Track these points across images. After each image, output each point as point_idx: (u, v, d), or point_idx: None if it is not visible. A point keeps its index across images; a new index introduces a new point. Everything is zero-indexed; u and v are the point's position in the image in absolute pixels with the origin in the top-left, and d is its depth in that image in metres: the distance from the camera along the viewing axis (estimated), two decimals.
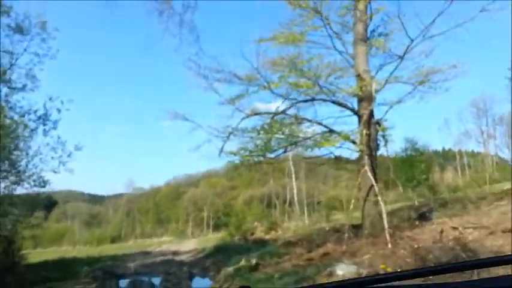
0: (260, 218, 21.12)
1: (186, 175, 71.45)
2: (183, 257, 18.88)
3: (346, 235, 9.85)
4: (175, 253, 21.62)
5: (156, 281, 11.82)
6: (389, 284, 0.84)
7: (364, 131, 10.02)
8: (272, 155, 12.42)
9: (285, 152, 12.95)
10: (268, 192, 56.50)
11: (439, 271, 0.87)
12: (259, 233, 19.48)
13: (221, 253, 16.35)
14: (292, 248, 12.80)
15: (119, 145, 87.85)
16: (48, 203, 67.18)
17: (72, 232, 48.44)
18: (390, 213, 12.14)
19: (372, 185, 9.82)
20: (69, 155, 13.60)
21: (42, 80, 14.06)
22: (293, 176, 46.18)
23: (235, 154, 11.54)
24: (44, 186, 14.62)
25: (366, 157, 9.92)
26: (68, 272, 13.92)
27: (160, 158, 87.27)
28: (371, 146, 10.36)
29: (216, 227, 53.90)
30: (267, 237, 18.92)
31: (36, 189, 15.00)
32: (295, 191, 45.66)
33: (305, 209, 41.26)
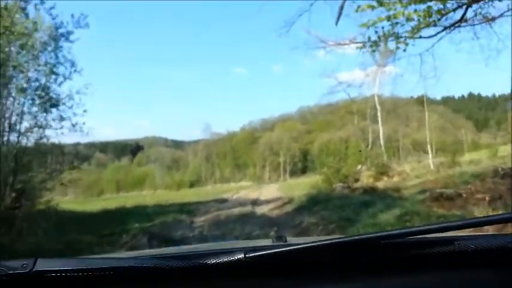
0: (361, 160, 15.30)
1: (261, 119, 67.98)
2: (266, 209, 13.80)
3: None
4: (255, 202, 16.64)
5: None
6: (411, 238, 0.76)
7: None
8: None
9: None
10: (346, 136, 50.56)
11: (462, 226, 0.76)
12: (367, 179, 13.88)
13: (320, 206, 10.93)
14: (452, 205, 6.95)
15: (195, 91, 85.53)
16: (135, 148, 67.73)
17: (154, 176, 46.52)
18: None
19: None
20: None
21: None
22: (379, 114, 39.22)
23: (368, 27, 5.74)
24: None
25: None
26: (109, 231, 9.49)
27: (235, 103, 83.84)
28: None
29: (293, 173, 50.90)
30: (379, 184, 13.33)
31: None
32: (381, 132, 39.05)
33: (400, 152, 34.76)
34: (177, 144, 72.82)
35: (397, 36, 6.46)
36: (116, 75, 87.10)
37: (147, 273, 0.76)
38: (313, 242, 0.76)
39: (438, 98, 51.75)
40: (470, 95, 65.94)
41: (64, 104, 12.09)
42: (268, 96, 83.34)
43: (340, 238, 0.77)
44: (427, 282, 0.78)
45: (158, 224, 10.42)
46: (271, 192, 22.40)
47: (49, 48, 11.42)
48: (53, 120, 11.83)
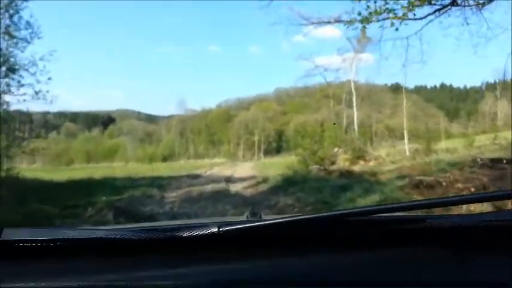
0: (337, 143, 15.05)
1: (237, 99, 67.60)
2: (240, 187, 13.44)
3: None
4: (229, 180, 16.25)
5: None
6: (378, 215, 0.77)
7: None
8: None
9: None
10: (322, 119, 50.86)
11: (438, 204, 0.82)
12: (343, 162, 13.64)
13: (296, 188, 10.63)
14: (432, 193, 6.77)
15: (171, 67, 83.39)
16: (107, 120, 65.75)
17: (125, 149, 45.27)
18: None
19: None
20: None
21: None
22: (354, 99, 39.66)
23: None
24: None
25: None
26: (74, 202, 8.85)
27: (210, 82, 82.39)
28: None
29: (267, 152, 51.39)
30: (355, 168, 13.12)
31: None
32: (355, 117, 39.43)
33: (373, 137, 35.10)
34: (151, 119, 71.15)
35: (390, 11, 6.05)
36: (90, 44, 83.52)
37: (119, 245, 0.74)
38: (283, 218, 0.79)
39: (411, 86, 52.72)
40: (442, 85, 67.21)
41: (26, 70, 11.18)
42: (245, 76, 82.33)
43: (309, 215, 0.79)
44: (386, 257, 0.77)
45: (126, 198, 9.86)
46: (245, 170, 22.05)
47: (9, 11, 10.46)
48: (13, 86, 10.90)
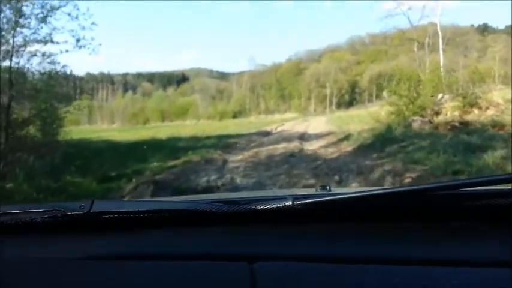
0: (441, 88, 11.45)
1: (307, 50, 63.62)
2: (317, 146, 10.82)
3: None
4: (302, 137, 13.66)
5: None
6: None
7: None
8: None
9: None
10: (401, 67, 45.21)
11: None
12: (451, 112, 10.24)
13: (395, 147, 7.75)
14: None
15: (242, 24, 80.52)
16: (181, 79, 66.05)
17: (197, 106, 44.43)
18: None
19: None
20: None
21: None
22: (440, 41, 33.83)
23: None
24: None
25: None
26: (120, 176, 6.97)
27: (279, 36, 78.15)
28: None
29: (339, 105, 47.94)
30: (470, 119, 9.72)
31: None
32: (441, 62, 33.86)
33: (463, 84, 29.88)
34: (223, 76, 70.15)
35: None
36: (164, 9, 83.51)
37: (200, 217, 0.75)
38: (359, 192, 0.75)
39: (501, 27, 44.90)
40: None
41: (68, 14, 9.15)
42: (316, 27, 76.65)
43: (386, 189, 0.76)
44: (468, 234, 0.72)
45: (181, 165, 7.79)
46: (319, 125, 19.20)
47: None
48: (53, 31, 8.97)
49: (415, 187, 0.72)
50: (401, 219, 0.74)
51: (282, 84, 56.25)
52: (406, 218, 0.74)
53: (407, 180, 5.59)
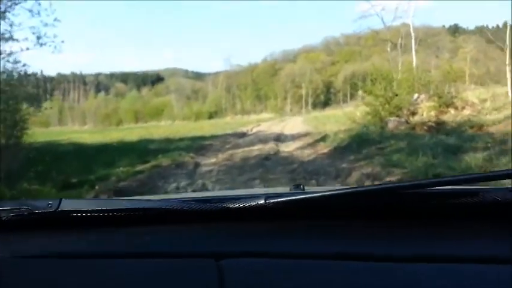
0: (415, 88, 11.30)
1: (282, 51, 64.00)
2: (293, 147, 10.52)
3: None
4: (279, 138, 13.35)
5: None
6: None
7: None
8: None
9: None
10: (376, 66, 45.82)
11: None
12: (427, 112, 10.04)
13: (373, 148, 7.52)
14: None
15: (216, 23, 79.91)
16: (155, 79, 64.77)
17: (172, 107, 43.54)
18: None
19: None
20: None
21: None
22: (413, 42, 34.53)
23: None
24: None
25: None
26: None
27: (255, 36, 78.12)
28: None
29: (315, 105, 48.42)
30: (446, 119, 9.55)
31: None
32: (414, 62, 34.56)
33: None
34: (198, 76, 69.27)
35: None
36: (138, 9, 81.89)
37: (170, 215, 0.74)
38: (332, 191, 0.74)
39: (471, 27, 46.38)
40: (505, 23, 58.20)
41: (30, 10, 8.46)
42: (291, 28, 77.02)
43: (359, 187, 0.74)
44: (440, 232, 0.71)
45: (148, 170, 7.27)
46: (296, 125, 18.97)
47: None
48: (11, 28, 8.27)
49: (387, 185, 0.72)
50: (372, 217, 0.73)
51: (257, 84, 56.03)
52: (377, 216, 0.73)
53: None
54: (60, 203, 0.72)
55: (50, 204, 0.72)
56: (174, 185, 6.03)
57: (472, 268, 0.57)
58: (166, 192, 5.59)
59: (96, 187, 6.15)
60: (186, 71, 70.90)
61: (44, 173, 6.96)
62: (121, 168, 7.25)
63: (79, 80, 60.63)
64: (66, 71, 64.79)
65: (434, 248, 0.64)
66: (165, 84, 57.73)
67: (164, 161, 8.08)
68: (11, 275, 0.58)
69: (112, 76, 64.70)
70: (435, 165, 5.50)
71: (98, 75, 63.44)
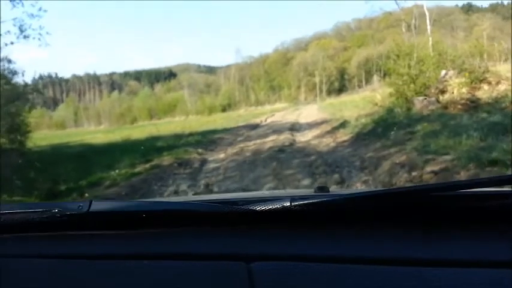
0: (443, 64, 10.06)
1: (294, 40, 62.71)
2: (310, 137, 9.49)
3: None
4: (293, 127, 12.30)
5: None
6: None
7: None
8: None
9: None
10: (387, 51, 44.00)
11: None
12: (458, 89, 8.86)
13: (401, 132, 6.44)
14: None
15: (226, 16, 78.70)
16: (168, 75, 64.28)
17: (186, 102, 42.82)
18: None
19: None
20: None
21: None
22: (428, 22, 32.69)
23: None
24: None
25: None
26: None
27: (265, 26, 76.56)
28: None
29: (329, 93, 47.00)
30: (482, 96, 8.40)
31: None
32: (430, 42, 32.69)
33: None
34: (210, 70, 68.49)
35: None
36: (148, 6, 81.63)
37: (198, 218, 0.75)
38: (359, 193, 0.74)
39: (485, 5, 44.05)
40: None
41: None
42: (301, 16, 75.13)
43: (387, 190, 0.74)
44: (473, 235, 0.69)
45: (146, 171, 6.36)
46: (311, 113, 17.84)
47: None
48: None
49: (416, 187, 0.74)
50: (400, 220, 0.72)
51: (270, 74, 54.85)
52: (404, 219, 0.72)
53: (428, 176, 4.25)
54: (90, 204, 0.73)
55: (80, 206, 0.73)
56: (172, 188, 5.11)
57: (496, 273, 0.55)
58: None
59: (86, 195, 5.30)
60: (198, 66, 70.32)
61: (32, 180, 6.17)
62: (117, 171, 6.38)
63: (93, 81, 60.67)
64: (80, 72, 64.84)
65: (452, 252, 0.62)
66: (178, 79, 57.24)
67: (166, 159, 7.17)
68: (45, 276, 0.58)
69: (126, 75, 64.55)
70: (486, 148, 4.40)
71: (112, 74, 63.39)
